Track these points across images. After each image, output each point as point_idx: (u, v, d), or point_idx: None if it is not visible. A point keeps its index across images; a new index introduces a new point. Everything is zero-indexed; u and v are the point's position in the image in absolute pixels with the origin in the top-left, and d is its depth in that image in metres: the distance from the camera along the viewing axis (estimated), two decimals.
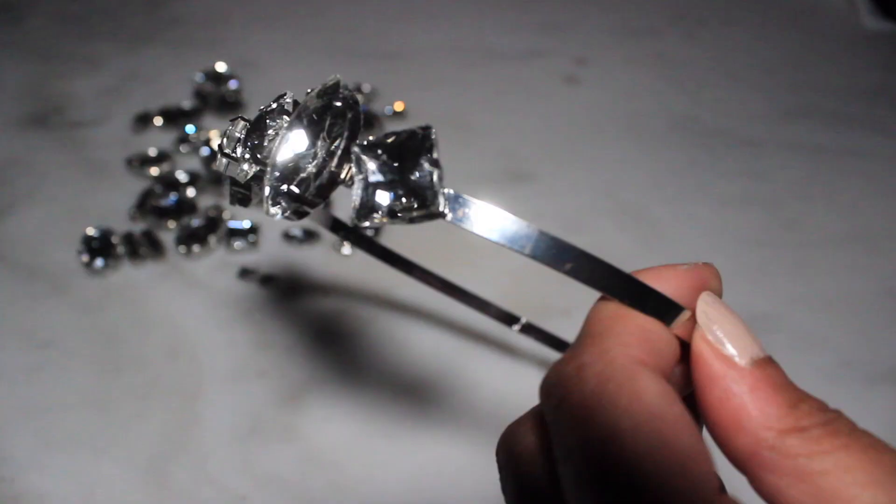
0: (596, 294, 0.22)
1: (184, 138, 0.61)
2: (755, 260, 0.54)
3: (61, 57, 0.70)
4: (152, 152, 0.59)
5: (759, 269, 0.53)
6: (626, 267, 0.22)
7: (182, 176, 0.57)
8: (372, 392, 0.45)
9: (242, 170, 0.21)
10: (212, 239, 0.52)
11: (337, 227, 0.32)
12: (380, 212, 0.19)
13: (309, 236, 0.53)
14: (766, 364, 0.20)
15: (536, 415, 0.21)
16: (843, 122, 0.66)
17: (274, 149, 0.20)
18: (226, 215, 0.54)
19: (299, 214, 0.20)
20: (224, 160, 0.22)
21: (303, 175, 0.19)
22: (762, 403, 0.19)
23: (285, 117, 0.20)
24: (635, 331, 0.20)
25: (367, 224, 0.19)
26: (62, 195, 0.57)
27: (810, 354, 0.47)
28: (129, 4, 0.77)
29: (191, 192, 0.56)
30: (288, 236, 0.53)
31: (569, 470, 0.18)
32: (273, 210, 0.20)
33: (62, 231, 0.53)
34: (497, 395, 0.45)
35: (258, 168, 0.20)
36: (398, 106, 0.65)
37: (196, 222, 0.53)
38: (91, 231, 0.52)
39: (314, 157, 0.19)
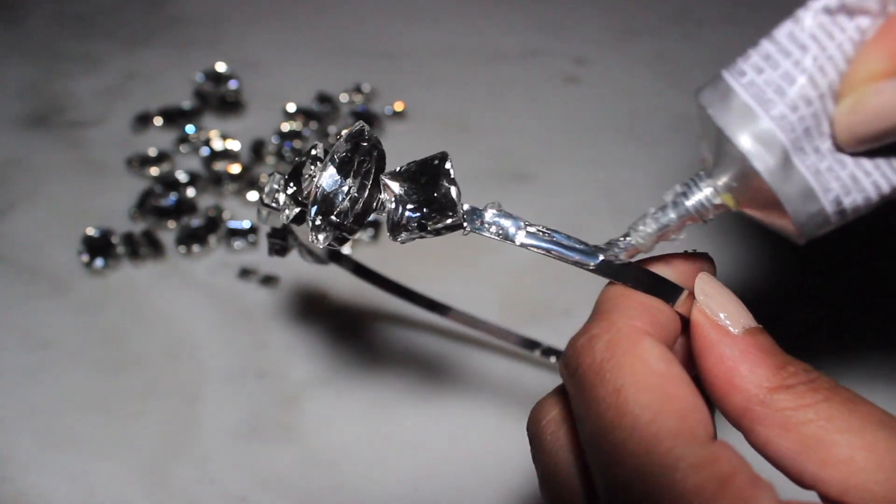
0: (594, 294, 0.24)
1: (184, 138, 0.61)
2: (755, 259, 0.54)
3: (61, 57, 0.70)
4: (152, 152, 0.59)
5: (759, 268, 0.53)
6: None
7: (182, 176, 0.57)
8: (372, 392, 0.45)
9: (285, 214, 0.24)
10: (212, 239, 0.52)
11: (361, 272, 0.38)
12: (410, 227, 0.22)
13: None
14: (757, 332, 0.22)
15: (559, 390, 0.24)
16: None
17: (313, 189, 0.23)
18: (226, 215, 0.54)
19: (340, 241, 0.23)
20: (265, 211, 0.25)
21: (340, 207, 0.22)
22: (752, 365, 0.21)
23: (318, 164, 0.24)
24: (638, 306, 0.22)
25: (400, 239, 0.22)
26: (62, 195, 0.57)
27: (810, 354, 0.47)
28: (129, 4, 0.77)
29: (191, 192, 0.56)
30: None
31: (585, 427, 0.21)
32: (317, 241, 0.23)
33: (62, 231, 0.53)
34: (497, 394, 0.45)
35: (299, 210, 0.24)
36: (398, 106, 0.65)
37: (196, 222, 0.53)
38: (91, 231, 0.52)
39: (349, 191, 0.22)
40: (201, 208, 0.55)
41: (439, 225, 0.22)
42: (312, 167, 0.24)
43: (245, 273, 0.51)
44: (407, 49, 0.72)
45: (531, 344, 0.44)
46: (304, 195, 0.24)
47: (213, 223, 0.53)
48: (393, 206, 0.22)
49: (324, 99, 0.65)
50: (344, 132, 0.24)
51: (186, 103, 0.64)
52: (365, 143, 0.23)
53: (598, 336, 0.22)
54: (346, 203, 0.23)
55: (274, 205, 0.25)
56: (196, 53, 0.70)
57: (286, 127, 0.62)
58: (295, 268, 0.51)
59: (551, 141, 0.63)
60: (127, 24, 0.75)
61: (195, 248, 0.52)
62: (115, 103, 0.65)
